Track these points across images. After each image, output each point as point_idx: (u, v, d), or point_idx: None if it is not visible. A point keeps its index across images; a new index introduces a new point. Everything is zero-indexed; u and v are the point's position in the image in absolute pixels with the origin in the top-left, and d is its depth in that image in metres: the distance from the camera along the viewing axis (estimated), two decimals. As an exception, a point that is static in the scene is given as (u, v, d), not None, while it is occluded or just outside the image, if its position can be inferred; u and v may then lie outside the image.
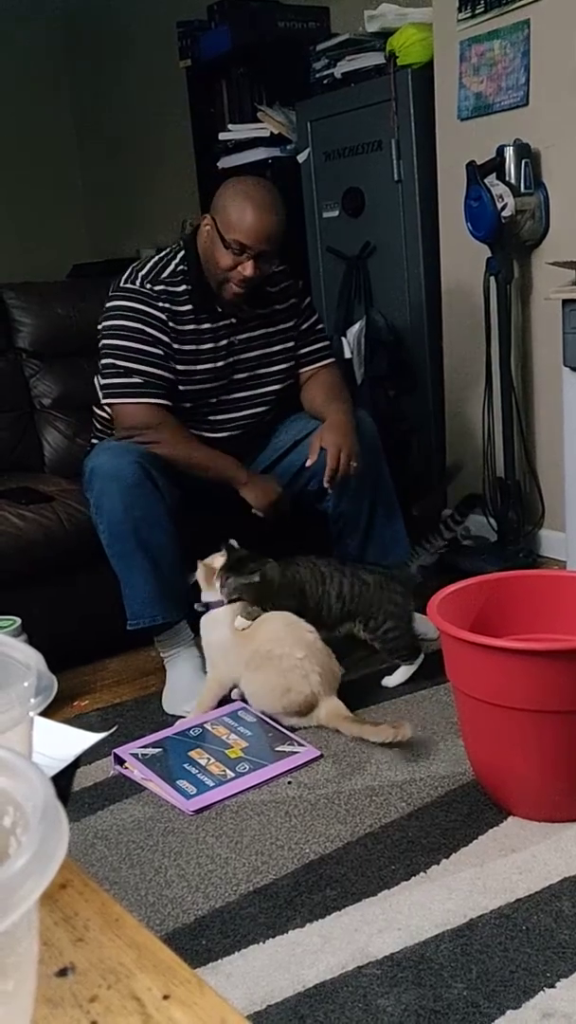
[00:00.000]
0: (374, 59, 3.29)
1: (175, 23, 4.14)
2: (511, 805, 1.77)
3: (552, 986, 1.34)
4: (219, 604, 2.22)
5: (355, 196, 3.43)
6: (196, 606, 2.27)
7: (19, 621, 2.23)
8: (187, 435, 2.38)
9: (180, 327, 2.36)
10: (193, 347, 2.38)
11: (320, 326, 2.63)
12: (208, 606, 2.25)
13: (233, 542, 2.26)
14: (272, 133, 3.75)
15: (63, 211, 5.50)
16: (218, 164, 3.86)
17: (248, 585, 2.18)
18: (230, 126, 3.91)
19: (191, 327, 2.37)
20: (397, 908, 1.54)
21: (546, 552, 3.06)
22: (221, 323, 2.41)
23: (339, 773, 1.96)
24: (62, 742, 0.73)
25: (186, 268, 2.37)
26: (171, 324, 2.34)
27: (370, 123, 3.29)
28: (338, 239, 3.51)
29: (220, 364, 2.43)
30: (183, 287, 2.36)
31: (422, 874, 1.62)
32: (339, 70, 3.41)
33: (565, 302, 2.46)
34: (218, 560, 2.22)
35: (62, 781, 0.71)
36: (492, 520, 3.06)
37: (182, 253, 2.39)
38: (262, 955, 1.46)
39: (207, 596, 2.25)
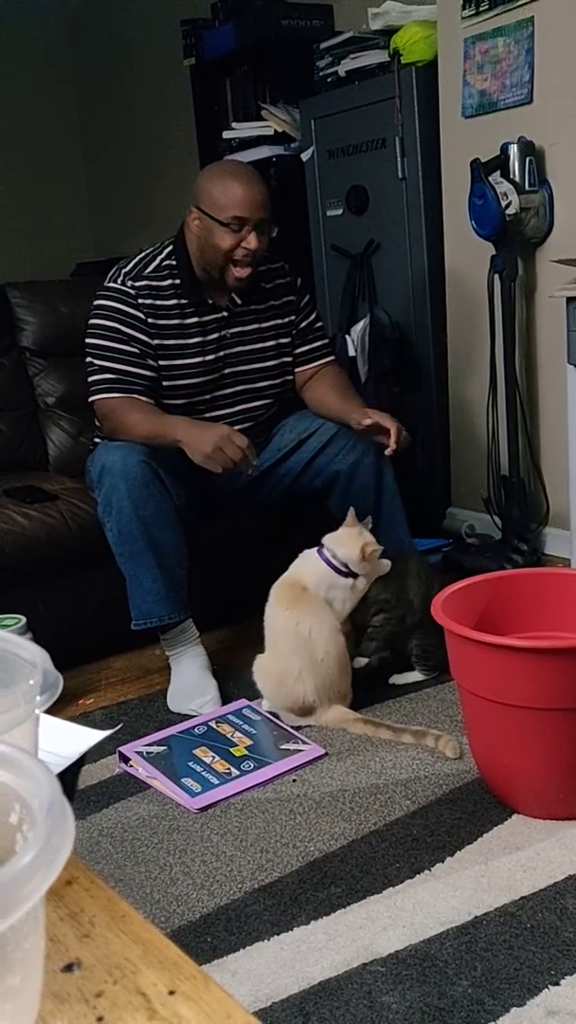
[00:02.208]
0: (378, 57, 3.28)
1: (179, 22, 4.14)
2: (515, 803, 1.77)
3: (557, 984, 1.34)
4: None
5: (359, 194, 3.42)
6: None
7: (24, 620, 2.23)
8: (143, 413, 2.32)
9: (161, 322, 2.37)
10: (178, 341, 2.39)
11: (319, 324, 2.62)
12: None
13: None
14: (276, 131, 3.76)
15: (67, 209, 5.51)
16: (222, 162, 3.86)
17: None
18: (234, 124, 3.92)
19: (175, 321, 2.38)
20: (402, 906, 1.54)
21: (550, 550, 3.06)
22: (210, 317, 2.42)
23: (344, 771, 1.96)
24: (67, 739, 0.74)
25: (173, 263, 2.39)
26: (150, 320, 2.35)
27: (374, 121, 3.29)
28: (342, 237, 3.51)
29: (210, 358, 2.43)
30: (168, 281, 2.38)
31: (427, 872, 1.62)
32: (343, 68, 3.41)
33: (569, 300, 2.46)
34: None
35: (67, 778, 0.71)
36: (496, 518, 3.06)
37: (169, 248, 2.41)
38: (267, 952, 1.46)
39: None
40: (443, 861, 1.64)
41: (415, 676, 2.33)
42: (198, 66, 4.10)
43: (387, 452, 2.36)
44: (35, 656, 0.64)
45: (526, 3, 2.80)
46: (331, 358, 2.62)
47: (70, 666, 2.46)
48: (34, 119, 5.35)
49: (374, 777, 1.93)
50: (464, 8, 2.98)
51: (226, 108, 4.05)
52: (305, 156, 3.61)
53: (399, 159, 3.24)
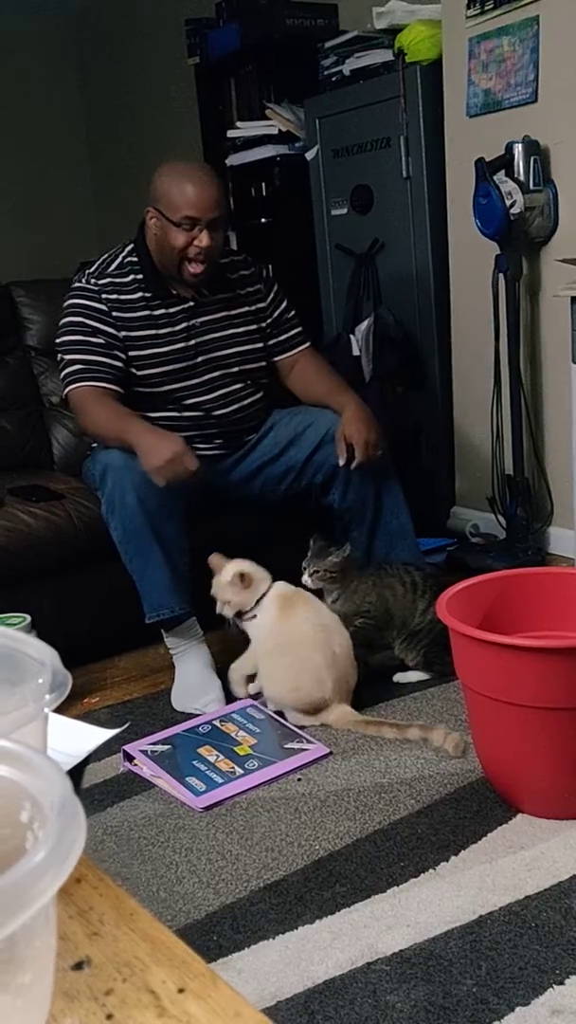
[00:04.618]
0: (383, 56, 3.28)
1: (183, 21, 4.14)
2: (520, 802, 1.77)
3: (561, 983, 1.34)
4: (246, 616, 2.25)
5: (364, 193, 3.42)
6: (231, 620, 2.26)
7: (29, 618, 2.24)
8: (112, 409, 2.36)
9: (127, 315, 2.42)
10: (148, 332, 2.44)
11: (291, 313, 2.65)
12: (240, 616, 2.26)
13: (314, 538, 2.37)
14: (280, 130, 3.75)
15: (71, 208, 5.51)
16: (227, 162, 3.86)
17: (336, 562, 2.32)
18: (238, 124, 3.91)
19: (142, 313, 2.44)
20: (406, 905, 1.54)
21: (555, 550, 3.06)
22: (177, 308, 2.46)
23: (348, 770, 1.96)
24: (76, 738, 0.74)
25: (135, 260, 2.46)
26: (115, 314, 2.41)
27: (379, 120, 3.28)
28: (346, 236, 3.51)
29: (181, 346, 2.47)
30: (131, 277, 2.45)
31: (431, 871, 1.62)
32: (348, 67, 3.41)
33: (574, 299, 2.45)
34: (243, 565, 2.24)
35: (72, 777, 0.71)
36: (500, 518, 3.06)
37: (131, 246, 2.48)
38: (272, 951, 1.46)
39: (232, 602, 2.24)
40: (448, 860, 1.64)
41: (418, 675, 2.33)
42: (202, 65, 4.10)
43: (351, 463, 2.41)
44: (44, 654, 0.64)
45: (531, 2, 2.80)
46: (307, 344, 2.66)
47: (75, 665, 2.42)
48: (39, 118, 5.35)
49: (379, 776, 1.93)
50: (469, 7, 2.98)
51: (230, 107, 4.04)
52: (310, 155, 3.60)
53: (404, 158, 3.23)
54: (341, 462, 2.41)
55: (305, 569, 2.34)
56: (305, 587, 2.31)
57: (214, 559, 2.27)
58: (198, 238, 2.33)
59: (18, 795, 0.48)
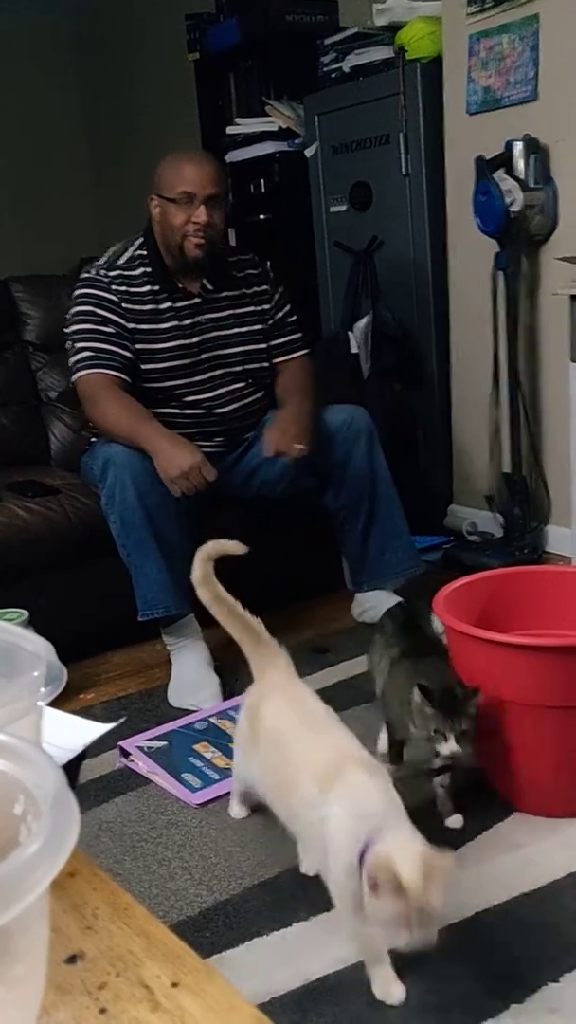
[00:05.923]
0: (383, 53, 3.27)
1: (183, 16, 4.13)
2: (516, 800, 1.77)
3: (556, 981, 1.34)
4: None
5: (363, 190, 3.42)
6: None
7: (26, 614, 2.23)
8: (126, 406, 2.35)
9: (136, 307, 2.43)
10: (153, 326, 2.44)
11: (292, 318, 2.65)
12: None
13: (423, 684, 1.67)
14: (280, 127, 3.75)
15: (71, 204, 5.50)
16: (226, 158, 3.85)
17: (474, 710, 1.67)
18: (238, 120, 3.91)
19: (149, 307, 2.44)
20: (401, 902, 1.53)
21: (552, 548, 3.06)
22: (184, 303, 2.47)
23: (344, 767, 1.95)
24: (71, 732, 0.74)
25: (144, 253, 2.47)
26: (124, 305, 2.42)
27: (378, 117, 3.28)
28: (345, 233, 3.50)
29: (186, 342, 2.47)
30: (140, 270, 2.46)
31: (426, 868, 1.61)
32: (347, 64, 3.40)
33: (573, 297, 2.46)
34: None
35: (69, 772, 0.71)
36: (498, 515, 3.06)
37: (140, 240, 2.50)
38: (266, 948, 1.46)
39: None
40: (443, 858, 1.64)
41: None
42: (202, 61, 4.09)
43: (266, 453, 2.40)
44: (39, 648, 0.64)
45: (531, 0, 2.79)
46: (302, 352, 2.65)
47: (69, 660, 2.41)
48: (38, 114, 5.34)
49: (374, 773, 1.92)
50: (469, 5, 2.97)
51: (230, 103, 4.04)
52: (309, 152, 3.60)
53: (403, 155, 3.23)
54: (265, 454, 2.41)
55: (444, 735, 1.64)
56: (454, 756, 1.65)
57: (375, 876, 1.24)
58: (195, 214, 2.35)
59: (12, 788, 0.47)
